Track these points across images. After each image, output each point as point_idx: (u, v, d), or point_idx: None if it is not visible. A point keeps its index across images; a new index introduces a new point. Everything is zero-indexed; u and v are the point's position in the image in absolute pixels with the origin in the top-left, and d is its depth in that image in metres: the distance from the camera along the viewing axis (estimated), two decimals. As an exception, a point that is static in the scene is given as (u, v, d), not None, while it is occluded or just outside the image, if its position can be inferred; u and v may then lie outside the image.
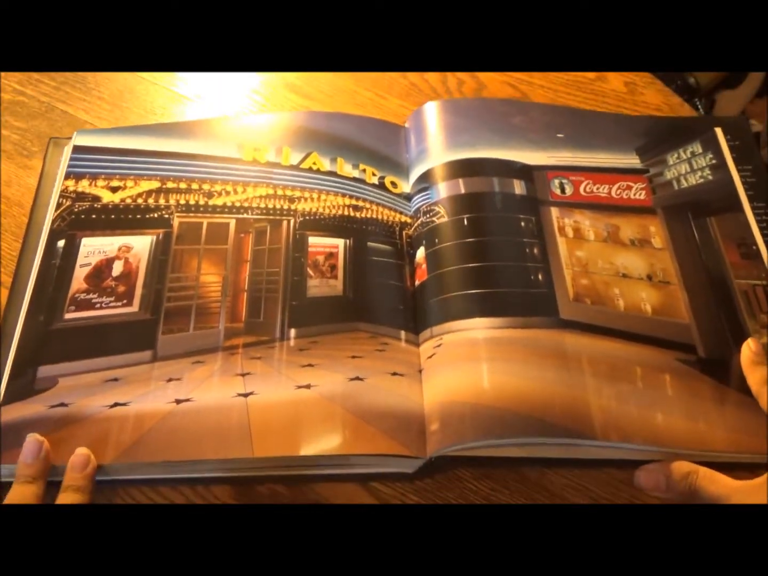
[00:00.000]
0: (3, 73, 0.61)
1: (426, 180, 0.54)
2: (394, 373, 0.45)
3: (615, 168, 0.55)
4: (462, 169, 0.54)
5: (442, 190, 0.53)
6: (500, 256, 0.49)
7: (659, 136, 0.57)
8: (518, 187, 0.53)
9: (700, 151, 0.55)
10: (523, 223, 0.52)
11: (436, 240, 0.51)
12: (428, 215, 0.52)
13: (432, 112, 0.58)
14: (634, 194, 0.53)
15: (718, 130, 0.56)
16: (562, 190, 0.54)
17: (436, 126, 0.57)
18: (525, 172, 0.54)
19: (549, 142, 0.56)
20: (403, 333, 0.47)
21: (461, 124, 0.57)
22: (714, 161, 0.54)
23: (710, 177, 0.53)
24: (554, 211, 0.52)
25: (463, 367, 0.44)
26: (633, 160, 0.55)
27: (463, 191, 0.53)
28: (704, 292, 0.48)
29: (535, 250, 0.50)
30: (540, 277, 0.49)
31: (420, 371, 0.45)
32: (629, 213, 0.52)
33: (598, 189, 0.54)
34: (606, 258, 0.50)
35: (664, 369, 0.44)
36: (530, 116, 0.58)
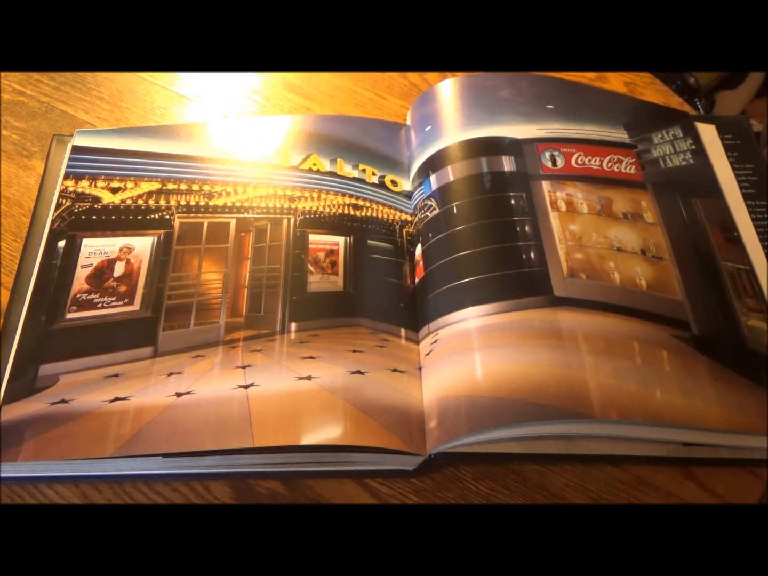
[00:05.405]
0: (3, 73, 0.61)
1: (422, 175, 0.54)
2: (395, 370, 0.45)
3: (605, 141, 0.54)
4: (448, 156, 0.53)
5: (434, 181, 0.53)
6: (490, 240, 0.49)
7: (643, 116, 0.57)
8: (507, 164, 0.53)
9: (681, 135, 0.55)
10: (513, 201, 0.51)
11: (430, 234, 0.51)
12: (423, 210, 0.52)
13: (425, 103, 0.58)
14: (625, 168, 0.53)
15: (699, 124, 0.55)
16: (554, 163, 0.53)
17: (428, 116, 0.57)
18: (514, 146, 0.53)
19: (539, 114, 0.55)
20: (403, 330, 0.47)
21: (450, 108, 0.56)
22: (693, 146, 0.54)
23: (692, 161, 0.53)
24: (545, 185, 0.52)
25: (457, 360, 0.43)
26: (622, 135, 0.55)
27: (452, 179, 0.52)
28: (695, 270, 0.47)
29: (527, 228, 0.49)
30: (532, 255, 0.48)
31: (420, 369, 0.45)
32: (621, 186, 0.52)
33: (590, 161, 0.53)
34: (600, 231, 0.49)
35: (661, 345, 0.43)
36: (519, 88, 0.57)
